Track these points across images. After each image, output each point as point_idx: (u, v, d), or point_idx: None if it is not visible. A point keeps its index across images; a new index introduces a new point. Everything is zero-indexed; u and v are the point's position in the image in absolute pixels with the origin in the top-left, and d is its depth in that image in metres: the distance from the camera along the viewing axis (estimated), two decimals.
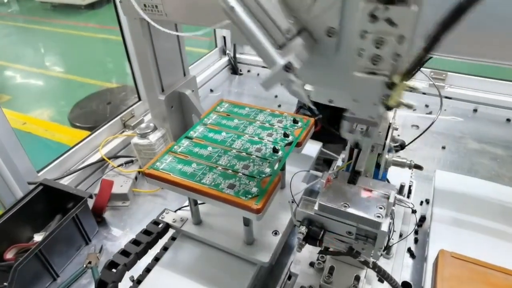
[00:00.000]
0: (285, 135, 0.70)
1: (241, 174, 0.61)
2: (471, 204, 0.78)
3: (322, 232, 0.53)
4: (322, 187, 0.55)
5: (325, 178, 0.55)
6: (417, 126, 1.20)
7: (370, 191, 0.54)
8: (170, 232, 0.77)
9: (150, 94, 0.99)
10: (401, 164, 0.67)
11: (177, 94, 1.02)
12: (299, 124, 0.73)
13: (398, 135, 1.16)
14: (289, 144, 0.67)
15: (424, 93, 1.34)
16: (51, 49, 2.90)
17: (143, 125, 0.99)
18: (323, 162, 1.04)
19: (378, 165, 0.67)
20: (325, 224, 0.54)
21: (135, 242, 0.68)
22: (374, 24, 0.41)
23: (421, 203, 0.91)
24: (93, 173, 1.01)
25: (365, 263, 0.53)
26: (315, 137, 1.02)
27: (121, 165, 1.02)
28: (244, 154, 0.65)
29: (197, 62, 1.45)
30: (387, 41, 0.40)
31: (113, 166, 1.01)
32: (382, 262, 0.70)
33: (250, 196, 0.57)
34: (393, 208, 0.54)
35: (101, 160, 1.02)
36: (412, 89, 0.46)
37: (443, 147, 1.11)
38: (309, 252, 0.69)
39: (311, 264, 0.66)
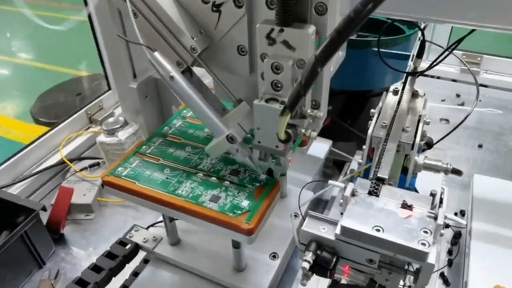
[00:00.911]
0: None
1: (228, 182, 0.54)
2: None
3: (334, 260, 0.45)
4: (343, 202, 0.47)
5: (348, 191, 0.47)
6: (447, 120, 1.13)
7: (411, 208, 0.46)
8: (142, 254, 0.71)
9: (119, 81, 0.91)
10: (435, 168, 0.60)
11: (152, 81, 0.94)
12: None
13: (425, 131, 1.09)
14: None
15: (454, 80, 1.27)
16: (15, 33, 2.83)
17: (111, 120, 0.92)
18: (333, 165, 0.97)
19: (405, 170, 0.59)
20: (338, 249, 0.46)
21: (95, 268, 0.62)
22: (272, 47, 0.44)
23: (455, 215, 0.84)
24: (51, 178, 0.95)
25: None
26: (324, 133, 0.95)
27: (84, 168, 0.95)
28: (230, 155, 0.58)
29: None
30: (285, 65, 0.43)
31: (75, 170, 0.94)
32: None
33: (239, 212, 0.50)
34: (442, 231, 0.46)
35: (62, 162, 0.96)
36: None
37: (480, 146, 1.04)
38: (316, 281, 0.61)
39: None
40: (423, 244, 0.41)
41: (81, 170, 0.94)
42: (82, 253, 0.81)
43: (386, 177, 0.48)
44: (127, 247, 0.66)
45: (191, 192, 0.52)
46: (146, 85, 0.93)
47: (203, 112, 0.49)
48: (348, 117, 0.94)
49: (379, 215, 0.44)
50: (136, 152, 0.59)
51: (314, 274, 0.47)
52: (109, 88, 1.13)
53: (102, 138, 0.91)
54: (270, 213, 0.52)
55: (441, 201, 0.83)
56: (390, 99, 0.63)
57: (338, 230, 0.44)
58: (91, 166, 0.96)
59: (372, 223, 0.43)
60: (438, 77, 1.29)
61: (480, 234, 0.69)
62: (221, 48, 0.51)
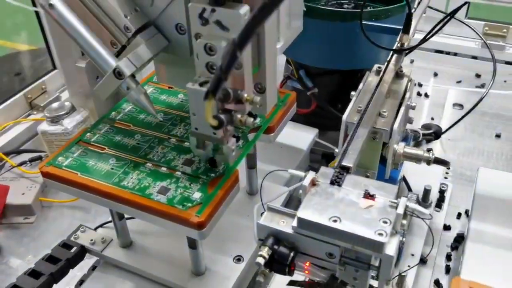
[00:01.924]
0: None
1: (179, 173, 0.62)
2: None
3: (292, 255, 0.54)
4: (302, 192, 0.56)
5: (307, 180, 0.56)
6: (461, 106, 1.22)
7: (373, 198, 0.55)
8: (92, 259, 0.79)
9: (64, 59, 0.99)
10: (416, 158, 0.69)
11: None
12: None
13: (432, 119, 1.19)
14: (256, 129, 0.68)
15: (475, 57, 1.36)
16: None
17: (55, 105, 1.00)
18: (322, 158, 1.05)
19: (384, 160, 0.68)
20: (297, 243, 0.55)
21: (32, 273, 0.69)
22: (206, 27, 0.51)
23: (459, 215, 0.93)
24: None
25: None
26: (309, 121, 1.04)
27: (24, 163, 1.03)
28: (188, 144, 0.65)
29: None
30: (218, 47, 0.50)
31: (12, 165, 1.02)
32: None
33: (189, 204, 0.57)
34: (404, 222, 0.55)
35: None
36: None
37: (497, 135, 1.13)
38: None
39: None
40: (380, 234, 0.50)
41: (20, 164, 1.02)
42: (19, 262, 0.88)
43: (351, 165, 0.57)
44: (72, 250, 0.73)
45: (138, 183, 0.60)
46: None
47: (89, 43, 0.57)
48: (338, 102, 1.02)
49: (338, 205, 0.53)
50: (79, 140, 0.68)
51: (272, 271, 0.56)
52: (54, 68, 1.21)
53: (44, 126, 0.99)
54: (226, 207, 0.60)
55: (442, 199, 0.93)
56: (371, 80, 0.72)
57: (294, 222, 0.53)
58: (31, 160, 1.04)
59: (330, 214, 0.52)
60: (455, 54, 1.38)
61: (478, 235, 0.78)
62: (160, 26, 0.60)
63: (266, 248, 0.55)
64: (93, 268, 0.78)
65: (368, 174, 0.68)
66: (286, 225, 0.56)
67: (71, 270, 0.74)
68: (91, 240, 0.75)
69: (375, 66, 0.75)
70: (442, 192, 0.93)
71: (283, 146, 0.95)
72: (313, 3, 1.01)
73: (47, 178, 0.64)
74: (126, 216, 0.72)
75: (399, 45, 0.76)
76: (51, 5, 0.57)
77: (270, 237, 0.56)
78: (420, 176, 0.91)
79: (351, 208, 0.53)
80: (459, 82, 1.31)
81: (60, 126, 0.98)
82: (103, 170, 0.62)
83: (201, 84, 0.52)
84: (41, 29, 1.17)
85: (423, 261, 0.82)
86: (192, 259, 0.68)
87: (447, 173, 1.03)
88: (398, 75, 0.74)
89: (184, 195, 0.58)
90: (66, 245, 0.74)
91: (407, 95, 0.72)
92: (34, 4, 1.13)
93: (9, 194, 0.96)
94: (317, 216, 0.52)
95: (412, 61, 1.39)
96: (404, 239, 0.73)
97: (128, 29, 0.57)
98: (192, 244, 0.66)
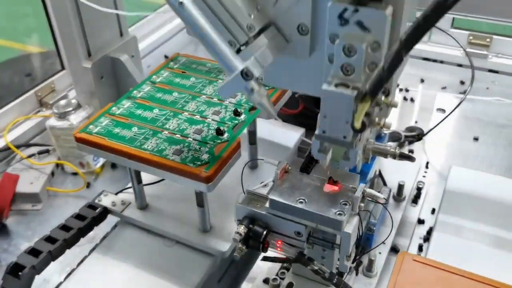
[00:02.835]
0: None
1: (191, 139, 0.72)
2: (490, 211, 0.87)
3: (265, 233, 0.62)
4: (275, 177, 0.65)
5: (280, 167, 0.64)
6: (443, 110, 1.29)
7: (336, 184, 0.63)
8: (113, 220, 0.88)
9: (72, 60, 1.08)
10: (383, 152, 0.76)
11: (109, 61, 1.11)
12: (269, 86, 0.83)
13: (416, 122, 1.26)
14: (255, 108, 0.77)
15: (460, 65, 1.43)
16: None
17: (62, 102, 1.08)
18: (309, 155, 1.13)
19: None
20: (270, 223, 0.63)
21: (64, 227, 0.79)
22: (344, 27, 0.48)
23: (433, 211, 1.00)
24: None
25: (321, 275, 0.62)
26: (297, 121, 1.12)
27: (32, 155, 1.11)
28: (199, 117, 0.77)
29: (149, 17, 1.54)
30: (358, 48, 0.47)
31: (22, 157, 1.10)
32: (364, 282, 0.79)
33: (199, 163, 0.68)
34: (362, 205, 0.62)
35: (7, 148, 1.11)
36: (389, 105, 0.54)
37: (475, 138, 1.20)
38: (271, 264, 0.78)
39: (265, 281, 0.75)
40: (340, 214, 0.58)
41: (29, 156, 1.10)
42: (26, 245, 0.94)
43: None
44: (96, 210, 0.82)
45: (156, 147, 0.71)
46: (101, 64, 1.10)
47: (215, 43, 0.54)
48: None
49: (305, 189, 0.61)
50: (105, 112, 0.79)
51: (249, 248, 0.64)
52: (63, 68, 1.29)
53: (52, 122, 1.07)
54: (229, 167, 0.70)
55: (419, 195, 1.00)
56: None
57: (267, 204, 0.61)
58: (40, 153, 1.12)
59: (297, 196, 0.60)
60: (442, 62, 1.46)
61: (444, 227, 0.86)
62: (280, 26, 0.56)
63: (242, 227, 0.63)
64: (115, 227, 0.87)
65: (339, 166, 0.75)
66: (260, 207, 0.64)
67: (95, 228, 0.84)
68: (113, 202, 0.85)
69: None
70: (419, 189, 1.00)
71: (271, 143, 1.03)
72: None
73: (80, 142, 0.74)
74: (143, 182, 0.82)
75: None
76: (181, 3, 0.54)
77: (246, 218, 0.64)
78: (400, 174, 0.98)
79: (316, 192, 0.61)
80: (444, 88, 1.38)
81: (67, 121, 1.06)
82: (127, 136, 0.73)
83: (336, 86, 0.49)
84: (51, 32, 1.25)
85: (395, 250, 0.89)
86: (200, 216, 0.77)
87: (425, 171, 1.10)
88: None
89: (195, 156, 0.69)
90: (91, 206, 0.84)
91: (382, 96, 0.79)
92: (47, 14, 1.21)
93: (19, 183, 1.04)
94: (286, 198, 0.60)
95: None
96: (374, 228, 0.81)
97: (251, 28, 0.55)
98: (200, 202, 0.75)
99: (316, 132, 0.53)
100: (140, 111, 0.79)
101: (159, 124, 0.76)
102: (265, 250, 0.64)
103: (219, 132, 0.73)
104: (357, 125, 0.47)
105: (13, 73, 1.83)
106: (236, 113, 0.77)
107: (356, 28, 0.47)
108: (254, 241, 0.63)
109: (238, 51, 0.56)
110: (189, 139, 0.72)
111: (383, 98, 0.51)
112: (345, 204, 0.59)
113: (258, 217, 0.63)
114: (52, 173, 1.10)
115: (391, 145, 0.76)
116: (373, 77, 0.43)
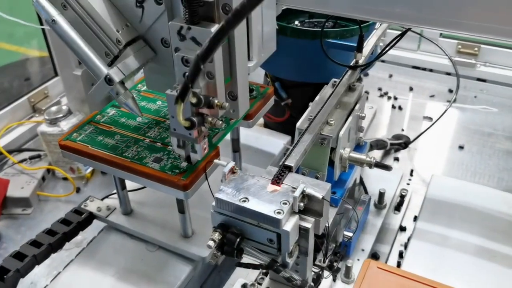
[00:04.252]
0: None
1: (171, 147, 0.74)
2: (469, 219, 0.88)
3: (238, 240, 0.64)
4: (222, 178, 0.66)
5: (228, 168, 0.66)
6: (430, 118, 1.30)
7: (279, 184, 0.65)
8: (102, 225, 0.90)
9: (63, 67, 1.10)
10: (359, 161, 0.78)
11: None
12: (254, 93, 0.85)
13: (403, 130, 1.28)
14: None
15: (448, 73, 1.45)
16: None
17: (54, 109, 1.11)
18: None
19: (333, 163, 0.78)
20: (244, 230, 0.64)
21: (49, 232, 0.81)
22: (183, 42, 0.61)
23: (415, 218, 1.02)
24: None
25: (292, 282, 0.64)
26: (284, 129, 1.14)
27: (24, 160, 1.13)
28: None
29: None
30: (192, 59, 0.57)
31: (13, 161, 1.12)
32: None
33: (177, 171, 0.70)
34: (301, 204, 0.63)
35: None
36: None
37: (461, 147, 1.22)
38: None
39: (244, 286, 0.77)
40: (279, 212, 0.59)
41: (20, 162, 1.12)
42: (16, 248, 0.98)
43: (293, 165, 0.66)
44: (82, 215, 0.85)
45: (137, 154, 0.73)
46: None
47: (85, 54, 0.66)
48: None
49: (250, 189, 0.62)
50: (90, 120, 0.80)
51: (223, 254, 0.66)
52: (56, 74, 1.32)
53: (43, 127, 1.09)
54: (208, 176, 0.72)
55: (402, 203, 1.02)
56: (327, 92, 0.81)
57: (214, 203, 0.63)
58: (31, 158, 1.14)
59: (241, 196, 0.62)
60: (431, 70, 1.47)
61: (422, 235, 0.87)
62: (148, 40, 0.70)
63: (217, 233, 0.64)
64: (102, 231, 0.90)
65: (318, 175, 0.77)
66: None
67: (83, 232, 0.86)
68: (98, 207, 0.87)
69: (332, 80, 0.84)
70: (402, 197, 1.02)
71: (257, 150, 1.05)
72: (288, 22, 1.11)
73: (64, 150, 0.76)
74: (128, 189, 0.85)
75: (354, 62, 0.86)
76: (53, 21, 0.66)
77: (221, 225, 0.66)
78: (384, 182, 1.00)
79: (260, 192, 0.62)
80: (432, 96, 1.40)
81: (58, 127, 1.08)
82: (109, 144, 0.75)
83: (178, 91, 0.58)
84: (45, 40, 1.27)
85: (375, 256, 0.91)
86: (181, 222, 0.80)
87: (409, 179, 1.12)
88: (351, 88, 0.83)
89: (173, 164, 0.72)
90: (77, 211, 0.86)
91: (357, 106, 0.81)
92: (40, 21, 1.23)
93: (10, 188, 1.06)
94: (231, 197, 0.62)
95: (390, 76, 1.49)
96: (353, 235, 0.82)
97: (119, 42, 0.66)
98: (181, 209, 0.78)
99: (170, 129, 0.64)
100: (123, 119, 0.81)
101: (141, 132, 0.78)
102: (240, 257, 0.65)
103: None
104: (181, 123, 0.58)
105: (12, 77, 1.85)
106: None
107: (192, 43, 0.60)
108: (228, 247, 0.64)
109: (113, 61, 0.67)
110: (170, 147, 0.74)
111: (216, 101, 0.61)
112: (285, 204, 0.61)
113: (232, 223, 0.65)
114: (43, 178, 1.12)
115: (367, 154, 0.79)
116: (181, 84, 0.54)
